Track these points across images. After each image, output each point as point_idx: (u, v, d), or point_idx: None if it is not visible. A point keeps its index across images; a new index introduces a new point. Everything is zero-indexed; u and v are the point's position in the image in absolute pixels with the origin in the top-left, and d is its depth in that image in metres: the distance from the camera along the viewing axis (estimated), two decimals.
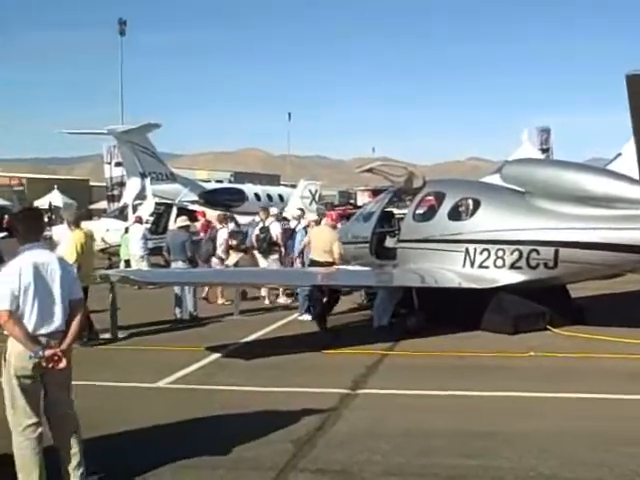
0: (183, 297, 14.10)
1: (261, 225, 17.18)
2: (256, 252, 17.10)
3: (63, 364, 5.34)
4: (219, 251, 16.93)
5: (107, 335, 11.92)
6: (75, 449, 5.49)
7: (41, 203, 55.39)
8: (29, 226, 5.60)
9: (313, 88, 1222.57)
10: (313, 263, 13.35)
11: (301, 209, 25.92)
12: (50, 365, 5.29)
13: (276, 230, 16.99)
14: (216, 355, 10.70)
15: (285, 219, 19.21)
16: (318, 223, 14.95)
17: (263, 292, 16.85)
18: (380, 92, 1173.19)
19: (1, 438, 5.67)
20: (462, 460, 6.28)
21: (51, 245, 14.11)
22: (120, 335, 12.25)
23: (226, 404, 8.07)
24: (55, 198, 55.04)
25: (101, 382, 8.85)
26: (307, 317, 13.66)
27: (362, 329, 12.86)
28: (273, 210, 18.33)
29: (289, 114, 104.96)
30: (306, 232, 15.93)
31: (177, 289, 14.11)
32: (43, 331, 5.35)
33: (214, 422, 7.43)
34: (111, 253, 22.80)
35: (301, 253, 15.93)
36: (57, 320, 5.41)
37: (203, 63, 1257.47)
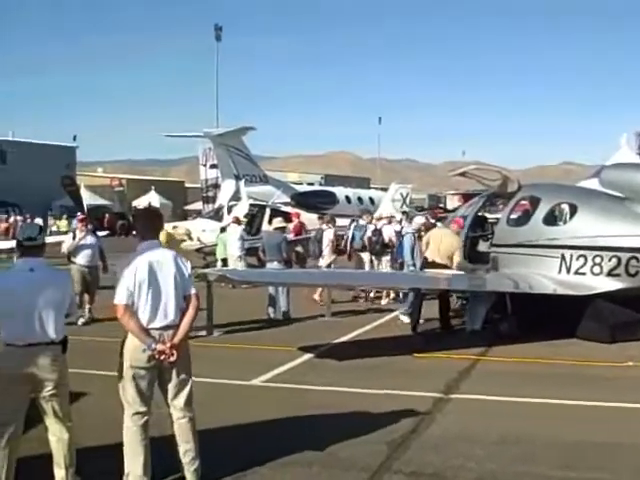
0: (277, 297, 14.35)
1: (373, 227, 17.67)
2: (364, 254, 17.47)
3: (174, 358, 5.57)
4: (325, 252, 17.23)
5: (203, 333, 12.27)
6: (190, 445, 5.71)
7: (139, 203, 57.28)
8: (147, 224, 5.92)
9: (404, 90, 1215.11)
10: (429, 264, 13.25)
11: (405, 212, 26.18)
12: (162, 358, 5.54)
13: (389, 232, 17.59)
14: (309, 355, 10.85)
15: (397, 222, 19.70)
16: (429, 228, 15.13)
17: (354, 293, 17.14)
18: (471, 96, 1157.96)
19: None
20: (559, 471, 6.19)
21: None
22: (215, 333, 12.60)
23: (319, 404, 8.20)
24: (152, 199, 56.80)
25: (197, 378, 9.08)
26: (406, 319, 13.60)
27: (454, 333, 12.81)
28: (386, 212, 19.02)
29: (379, 118, 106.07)
30: (415, 236, 16.14)
31: (271, 289, 14.37)
32: (156, 325, 5.60)
33: (308, 421, 7.57)
34: (206, 253, 23.36)
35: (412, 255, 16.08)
36: (170, 315, 5.64)
37: (295, 67, 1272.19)
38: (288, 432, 7.23)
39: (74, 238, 14.38)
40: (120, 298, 5.55)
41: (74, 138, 71.10)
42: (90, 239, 14.41)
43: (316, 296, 16.34)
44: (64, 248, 14.32)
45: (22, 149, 60.87)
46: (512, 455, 6.53)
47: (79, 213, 15.26)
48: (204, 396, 8.34)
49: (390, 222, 18.79)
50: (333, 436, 6.86)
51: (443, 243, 13.17)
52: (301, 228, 23.35)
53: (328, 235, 17.45)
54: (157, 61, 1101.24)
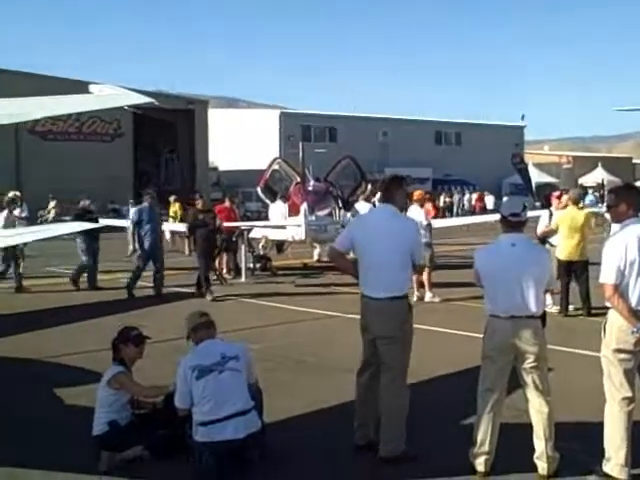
0: None
1: None
2: None
3: None
4: None
5: None
6: None
7: (585, 180, 56.00)
8: (630, 202, 5.65)
9: None
10: None
11: None
12: None
13: None
14: None
15: None
16: None
17: None
18: None
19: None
20: None
21: None
22: None
23: None
24: (600, 175, 55.03)
25: None
26: None
27: None
28: None
29: None
30: None
31: None
32: None
33: None
34: None
35: None
36: None
37: None
38: None
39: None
40: (609, 277, 5.49)
41: (522, 117, 72.16)
42: None
43: None
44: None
45: (476, 130, 63.86)
46: None
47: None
48: None
49: None
50: None
51: None
52: None
53: None
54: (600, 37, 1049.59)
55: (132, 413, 6.21)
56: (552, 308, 12.26)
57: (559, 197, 13.27)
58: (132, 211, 17.10)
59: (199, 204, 15.27)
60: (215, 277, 15.33)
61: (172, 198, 28.65)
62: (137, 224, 14.58)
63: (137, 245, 14.57)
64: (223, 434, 5.60)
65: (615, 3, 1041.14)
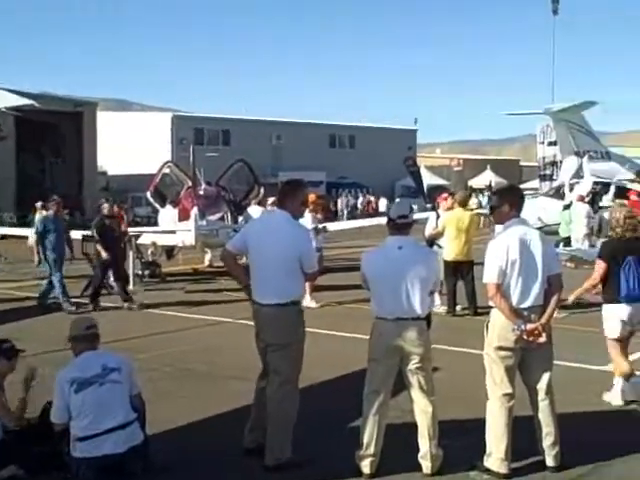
0: None
1: None
2: None
3: (543, 339, 5.59)
4: None
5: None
6: (551, 428, 5.70)
7: (474, 182, 57.73)
8: (513, 203, 5.82)
9: None
10: None
11: None
12: (531, 339, 5.57)
13: None
14: None
15: None
16: None
17: None
18: None
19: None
20: None
21: None
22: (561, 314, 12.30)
23: None
24: (488, 178, 56.81)
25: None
26: None
27: None
28: None
29: None
30: None
31: None
32: (525, 305, 5.61)
33: None
34: (547, 232, 22.83)
35: None
36: (538, 295, 5.62)
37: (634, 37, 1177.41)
38: None
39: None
40: (491, 277, 5.63)
41: (415, 121, 73.66)
42: None
43: None
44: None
45: (369, 133, 64.69)
46: None
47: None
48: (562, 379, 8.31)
49: None
50: None
51: None
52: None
53: None
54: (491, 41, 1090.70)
55: (3, 430, 5.88)
56: (440, 308, 12.50)
57: (446, 199, 13.55)
58: (37, 220, 16.26)
59: (105, 209, 14.56)
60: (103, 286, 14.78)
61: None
62: (43, 234, 13.76)
63: (42, 255, 13.86)
64: (102, 449, 5.42)
65: (509, 5, 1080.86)
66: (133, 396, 5.76)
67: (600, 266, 7.39)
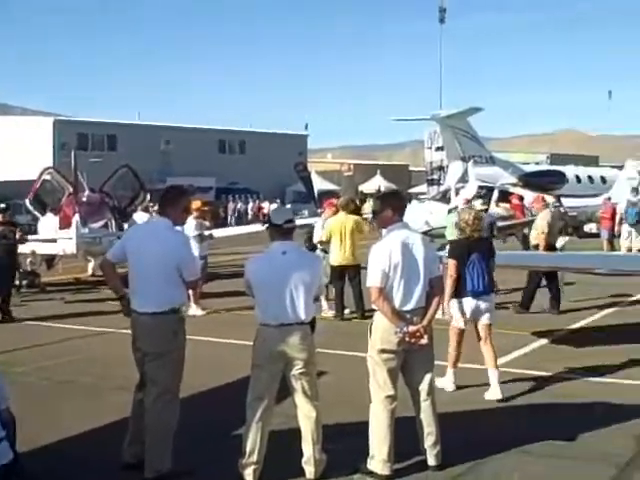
0: None
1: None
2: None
3: (424, 341, 5.66)
4: None
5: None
6: (432, 428, 5.78)
7: (366, 188, 58.60)
8: (395, 207, 5.88)
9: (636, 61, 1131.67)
10: None
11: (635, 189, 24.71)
12: (413, 341, 5.63)
13: None
14: (544, 341, 10.54)
15: None
16: None
17: None
18: None
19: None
20: None
21: None
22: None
23: (558, 392, 7.97)
24: (378, 183, 57.84)
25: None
26: None
27: None
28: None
29: (609, 92, 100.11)
30: None
31: None
32: (407, 308, 5.67)
33: (548, 409, 7.40)
34: (434, 235, 23.37)
35: None
36: (420, 298, 5.71)
37: (519, 45, 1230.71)
38: (530, 420, 7.10)
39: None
40: (374, 280, 5.67)
41: (306, 126, 74.13)
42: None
43: None
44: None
45: (260, 139, 64.52)
46: None
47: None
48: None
49: None
50: (577, 427, 6.63)
51: None
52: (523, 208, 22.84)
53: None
54: (381, 48, 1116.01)
55: None
56: (328, 312, 12.54)
57: (330, 204, 13.62)
58: None
59: None
60: None
61: None
62: None
63: None
64: None
65: (399, 11, 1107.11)
66: (2, 410, 5.45)
67: (452, 264, 7.92)
